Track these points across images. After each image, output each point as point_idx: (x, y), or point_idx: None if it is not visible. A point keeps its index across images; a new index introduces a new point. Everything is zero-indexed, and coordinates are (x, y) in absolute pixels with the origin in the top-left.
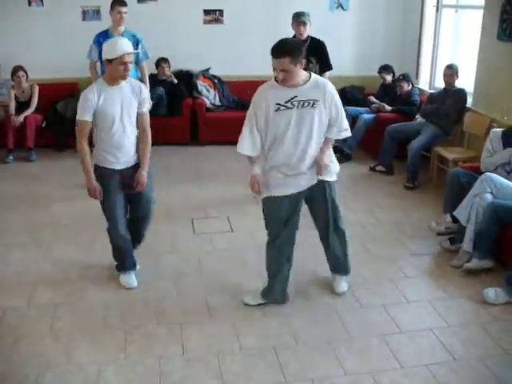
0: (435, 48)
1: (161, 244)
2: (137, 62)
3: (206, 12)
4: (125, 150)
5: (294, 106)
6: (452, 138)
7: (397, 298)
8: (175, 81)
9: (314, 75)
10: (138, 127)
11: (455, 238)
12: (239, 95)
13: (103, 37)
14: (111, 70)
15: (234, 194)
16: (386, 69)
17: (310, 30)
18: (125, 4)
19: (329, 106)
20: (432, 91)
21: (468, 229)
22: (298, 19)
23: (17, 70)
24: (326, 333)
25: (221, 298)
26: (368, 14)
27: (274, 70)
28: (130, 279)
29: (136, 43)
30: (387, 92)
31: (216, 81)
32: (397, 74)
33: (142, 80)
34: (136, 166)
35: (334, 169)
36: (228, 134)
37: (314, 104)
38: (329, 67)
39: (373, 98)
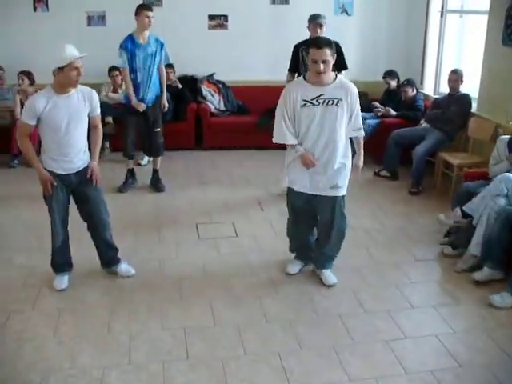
0: (440, 53)
1: (165, 249)
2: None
3: (211, 17)
4: (69, 157)
5: (319, 103)
6: (457, 143)
7: (401, 304)
8: (180, 86)
9: (339, 76)
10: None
11: (456, 243)
12: (243, 100)
13: (130, 41)
14: (62, 78)
15: (239, 198)
16: (390, 74)
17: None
18: (152, 9)
19: (350, 105)
20: (437, 96)
21: (477, 232)
22: (315, 21)
23: (21, 73)
24: (330, 338)
25: (225, 302)
26: (372, 19)
27: (315, 62)
28: (60, 280)
29: (160, 46)
30: (392, 97)
31: (220, 86)
32: (401, 80)
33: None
34: (81, 172)
35: (346, 183)
36: (232, 139)
37: (338, 103)
38: (344, 67)
39: (377, 104)
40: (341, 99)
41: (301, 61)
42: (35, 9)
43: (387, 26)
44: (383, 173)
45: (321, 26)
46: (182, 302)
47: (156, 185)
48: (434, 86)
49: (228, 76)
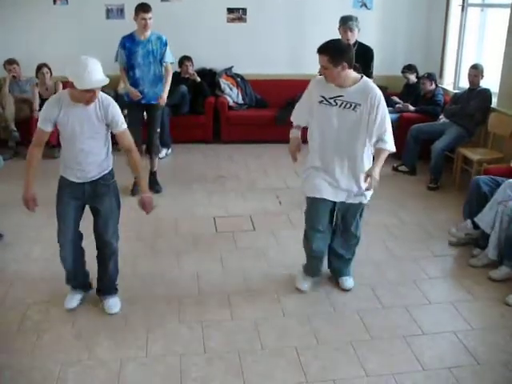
0: (460, 48)
1: (183, 242)
2: (161, 61)
3: (230, 10)
4: (84, 168)
5: (336, 104)
6: (476, 138)
7: (419, 300)
8: (198, 79)
9: (365, 79)
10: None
11: (481, 244)
12: (262, 94)
13: (129, 41)
14: (75, 93)
15: (256, 192)
16: (409, 68)
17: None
18: (149, 9)
19: (370, 112)
20: (456, 91)
21: (492, 236)
22: (345, 25)
23: (41, 66)
24: (347, 333)
25: (242, 296)
26: (392, 13)
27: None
28: (70, 299)
29: (163, 44)
30: (411, 92)
31: (239, 79)
32: (420, 74)
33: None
34: (97, 181)
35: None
36: (251, 133)
37: (355, 107)
38: (367, 74)
39: (396, 98)
40: (359, 104)
41: None
42: (54, 1)
43: (407, 20)
44: (402, 168)
45: (351, 29)
46: (199, 296)
47: (153, 186)
48: (453, 80)
49: (246, 69)
